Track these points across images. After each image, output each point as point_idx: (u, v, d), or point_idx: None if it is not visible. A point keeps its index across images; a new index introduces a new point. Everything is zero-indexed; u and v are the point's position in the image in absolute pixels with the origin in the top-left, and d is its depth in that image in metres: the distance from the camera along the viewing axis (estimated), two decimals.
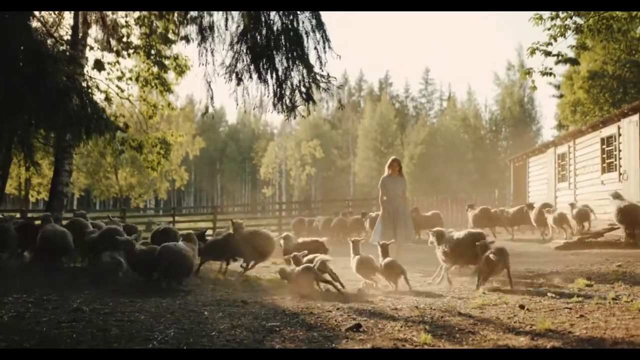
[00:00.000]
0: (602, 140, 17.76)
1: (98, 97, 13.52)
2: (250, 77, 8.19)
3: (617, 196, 14.17)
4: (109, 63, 14.84)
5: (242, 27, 7.93)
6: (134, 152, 16.32)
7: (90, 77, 13.48)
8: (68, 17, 12.62)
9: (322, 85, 8.33)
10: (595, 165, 18.33)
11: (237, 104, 8.48)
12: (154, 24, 14.35)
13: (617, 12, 11.31)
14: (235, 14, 8.08)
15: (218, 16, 8.27)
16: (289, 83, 8.16)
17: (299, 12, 7.91)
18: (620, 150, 16.42)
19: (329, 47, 8.18)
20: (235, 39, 8.03)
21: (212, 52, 8.16)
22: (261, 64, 8.02)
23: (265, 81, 8.20)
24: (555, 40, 11.99)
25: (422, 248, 14.94)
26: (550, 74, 12.44)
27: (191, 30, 10.07)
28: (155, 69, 15.37)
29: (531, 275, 9.09)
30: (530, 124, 68.59)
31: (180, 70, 15.64)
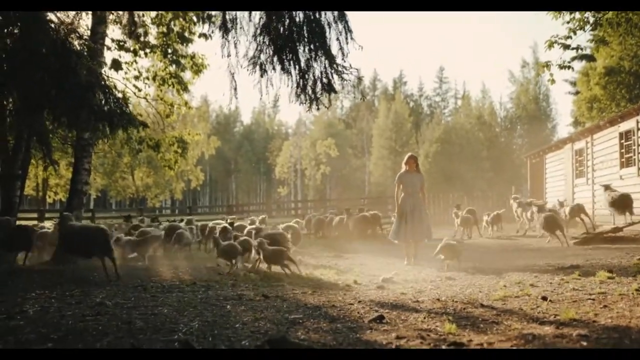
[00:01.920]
0: (621, 134, 17.67)
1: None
2: (274, 68, 8.18)
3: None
4: (126, 63, 14.88)
5: (264, 18, 7.92)
6: (152, 150, 16.37)
7: (107, 76, 13.55)
8: (85, 17, 12.68)
9: (345, 76, 8.31)
10: (614, 160, 18.24)
11: (262, 95, 8.50)
12: (172, 23, 14.39)
13: None
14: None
15: None
16: (311, 74, 8.15)
17: None
18: (638, 145, 16.32)
19: (351, 38, 8.14)
20: (259, 31, 8.02)
21: (235, 45, 8.15)
22: (284, 55, 8.01)
23: (288, 72, 8.19)
24: (575, 33, 11.91)
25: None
26: (569, 67, 12.36)
27: (208, 28, 10.14)
28: (172, 68, 15.41)
29: (552, 269, 9.07)
30: (546, 122, 68.45)
31: (197, 69, 15.66)
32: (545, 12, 12.06)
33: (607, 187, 16.26)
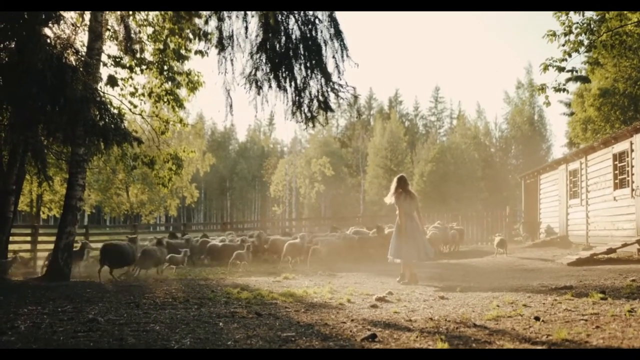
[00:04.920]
0: (614, 156, 17.73)
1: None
2: (270, 86, 8.20)
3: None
4: (122, 79, 14.91)
5: (261, 35, 7.96)
6: (146, 167, 16.37)
7: (103, 92, 13.55)
8: (81, 33, 12.70)
9: (341, 94, 8.34)
10: (608, 182, 18.29)
11: (257, 112, 8.53)
12: (168, 39, 14.42)
13: (630, 27, 11.33)
14: (254, 23, 8.13)
15: (238, 24, 8.31)
16: (307, 92, 8.17)
17: (317, 22, 7.94)
18: (632, 166, 16.37)
19: (347, 56, 8.18)
20: (255, 48, 8.06)
21: (231, 62, 8.18)
22: (280, 72, 8.04)
23: (284, 90, 8.21)
24: (570, 56, 12.02)
25: (438, 264, 14.99)
26: (564, 89, 12.47)
27: (204, 45, 10.19)
28: (168, 85, 15.42)
29: (545, 290, 9.06)
30: (540, 142, 68.81)
31: (193, 86, 15.69)
32: (542, 36, 12.19)
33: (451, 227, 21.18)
